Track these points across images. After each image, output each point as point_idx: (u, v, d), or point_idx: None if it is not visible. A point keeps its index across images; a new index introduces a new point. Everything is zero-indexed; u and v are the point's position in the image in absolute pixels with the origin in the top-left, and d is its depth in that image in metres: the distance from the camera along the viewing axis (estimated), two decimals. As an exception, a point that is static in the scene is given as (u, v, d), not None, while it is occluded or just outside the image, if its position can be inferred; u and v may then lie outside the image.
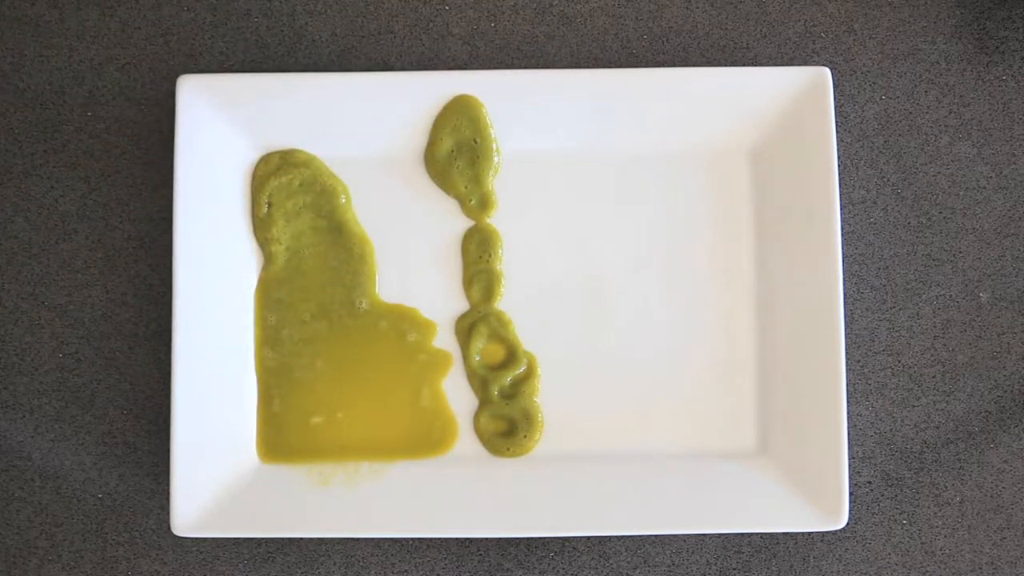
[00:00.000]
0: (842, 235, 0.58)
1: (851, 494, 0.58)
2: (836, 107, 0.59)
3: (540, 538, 0.58)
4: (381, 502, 0.55)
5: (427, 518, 0.55)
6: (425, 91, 0.57)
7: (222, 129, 0.56)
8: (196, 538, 0.58)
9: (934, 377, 0.58)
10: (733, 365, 0.57)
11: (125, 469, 0.58)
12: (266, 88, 0.56)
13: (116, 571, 0.58)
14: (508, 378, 0.57)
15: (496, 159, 0.57)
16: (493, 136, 0.57)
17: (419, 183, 0.58)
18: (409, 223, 0.58)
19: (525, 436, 0.57)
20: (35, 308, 0.58)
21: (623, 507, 0.55)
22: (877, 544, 0.58)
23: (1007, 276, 0.59)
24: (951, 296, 0.59)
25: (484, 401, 0.57)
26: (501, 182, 0.58)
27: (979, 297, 0.59)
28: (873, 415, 0.58)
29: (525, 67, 0.59)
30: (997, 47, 0.60)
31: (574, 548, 0.58)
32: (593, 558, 0.58)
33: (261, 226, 0.57)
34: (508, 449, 0.57)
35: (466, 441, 0.57)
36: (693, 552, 0.58)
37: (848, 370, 0.58)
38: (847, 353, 0.58)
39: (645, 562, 0.58)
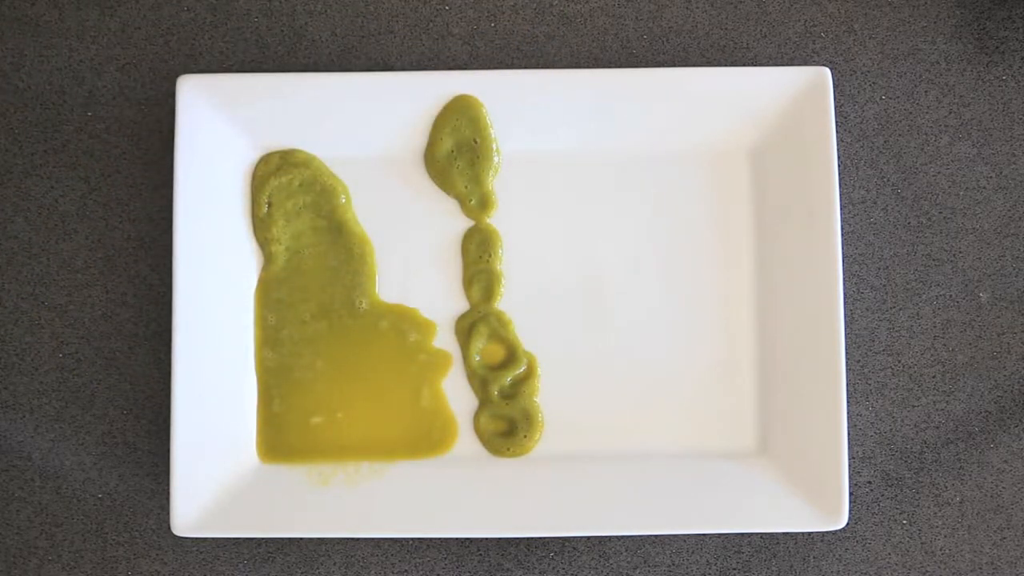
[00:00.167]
0: (842, 235, 0.58)
1: (851, 494, 0.58)
2: (836, 107, 0.59)
3: (540, 538, 0.58)
4: (381, 502, 0.55)
5: (427, 518, 0.55)
6: (425, 91, 0.57)
7: (222, 129, 0.56)
8: (196, 538, 0.58)
9: (934, 377, 0.58)
10: (733, 365, 0.57)
11: (125, 469, 0.58)
12: (266, 88, 0.56)
13: (116, 571, 0.58)
14: (508, 378, 0.57)
15: (496, 159, 0.57)
16: (493, 136, 0.57)
17: (419, 183, 0.58)
18: (409, 223, 0.58)
19: (525, 436, 0.57)
20: (35, 308, 0.58)
21: (623, 507, 0.55)
22: (877, 544, 0.58)
23: (1007, 276, 0.59)
24: (951, 296, 0.59)
25: (484, 401, 0.57)
26: (501, 182, 0.58)
27: (979, 297, 0.59)
28: (873, 415, 0.58)
29: (525, 67, 0.59)
30: (997, 47, 0.60)
31: (574, 548, 0.58)
32: (593, 558, 0.58)
33: (261, 226, 0.57)
34: (508, 449, 0.57)
35: (466, 441, 0.57)
36: (693, 552, 0.58)
37: (848, 370, 0.58)
38: (847, 353, 0.58)
39: (645, 562, 0.58)
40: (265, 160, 0.57)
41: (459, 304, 0.58)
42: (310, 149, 0.57)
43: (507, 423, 0.57)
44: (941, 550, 0.58)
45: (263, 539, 0.58)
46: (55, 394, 0.58)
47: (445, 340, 0.57)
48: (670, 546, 0.58)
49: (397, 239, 0.58)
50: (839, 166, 0.58)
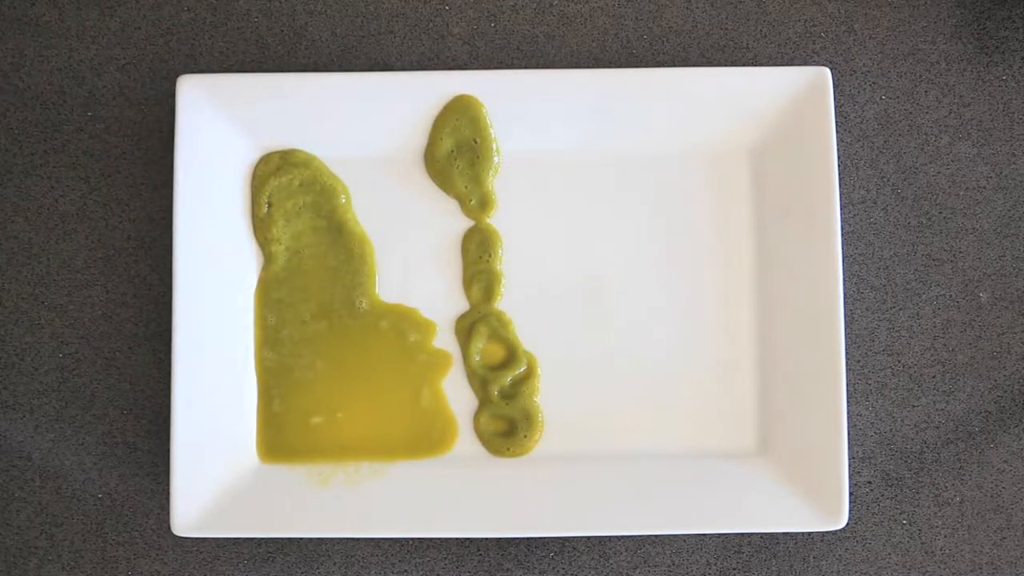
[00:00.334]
0: (842, 235, 0.58)
1: (851, 494, 0.58)
2: (836, 107, 0.59)
3: (540, 538, 0.58)
4: (381, 502, 0.55)
5: (427, 518, 0.55)
6: (425, 91, 0.57)
7: (222, 129, 0.56)
8: (196, 538, 0.58)
9: (934, 377, 0.58)
10: (733, 365, 0.57)
11: (125, 469, 0.58)
12: (266, 88, 0.56)
13: (116, 571, 0.58)
14: (508, 378, 0.57)
15: (496, 159, 0.57)
16: (493, 136, 0.57)
17: (419, 183, 0.58)
18: (409, 223, 0.58)
19: (525, 436, 0.57)
20: (35, 308, 0.58)
21: (623, 507, 0.55)
22: (877, 544, 0.58)
23: (1007, 276, 0.59)
24: (951, 296, 0.59)
25: (484, 401, 0.57)
26: (501, 182, 0.58)
27: (979, 297, 0.59)
28: (873, 415, 0.58)
29: (525, 67, 0.59)
30: (997, 47, 0.60)
31: (574, 548, 0.58)
32: (593, 558, 0.58)
33: (261, 226, 0.57)
34: (508, 449, 0.57)
35: (466, 441, 0.57)
36: (693, 552, 0.58)
37: (848, 370, 0.58)
38: (847, 353, 0.58)
39: (645, 562, 0.58)
40: (265, 160, 0.57)
41: (459, 304, 0.58)
42: (310, 149, 0.57)
43: (507, 423, 0.57)
44: (941, 550, 0.58)
45: (263, 539, 0.58)
46: (55, 394, 0.58)
47: (445, 340, 0.57)
48: (670, 546, 0.58)
49: (397, 239, 0.58)
50: (839, 166, 0.58)
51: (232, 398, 0.56)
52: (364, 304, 0.57)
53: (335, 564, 0.58)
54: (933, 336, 0.59)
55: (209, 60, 0.59)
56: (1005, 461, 0.58)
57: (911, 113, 0.59)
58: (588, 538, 0.58)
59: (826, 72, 0.56)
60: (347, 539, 0.58)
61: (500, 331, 0.57)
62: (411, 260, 0.58)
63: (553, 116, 0.57)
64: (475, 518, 0.55)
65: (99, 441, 0.58)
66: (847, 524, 0.57)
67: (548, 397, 0.57)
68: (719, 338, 0.57)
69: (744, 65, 0.59)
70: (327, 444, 0.56)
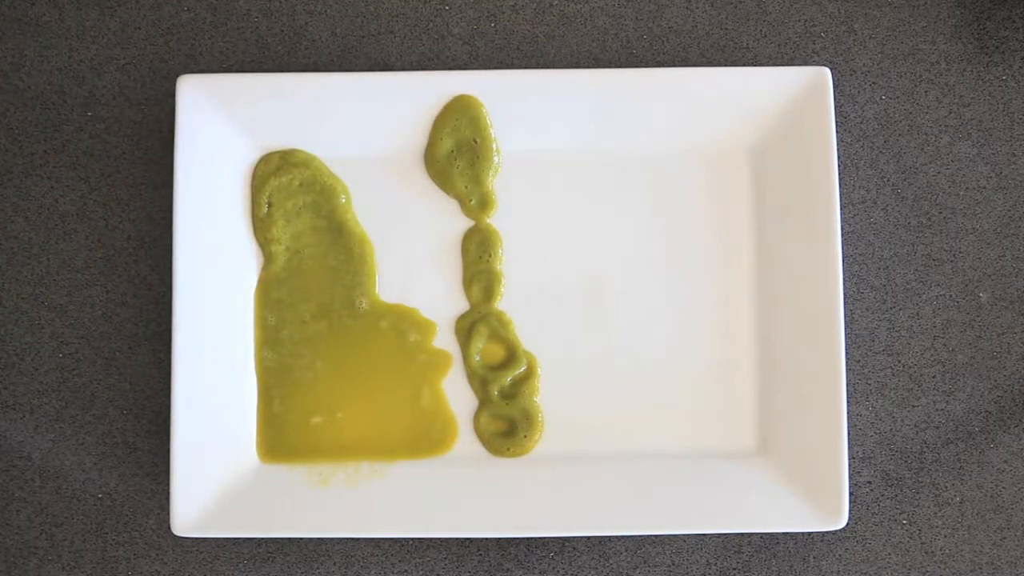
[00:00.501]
0: (842, 235, 0.58)
1: (851, 494, 0.58)
2: (836, 107, 0.59)
3: (540, 538, 0.58)
4: (381, 502, 0.55)
5: (427, 518, 0.55)
6: (425, 91, 0.57)
7: (222, 129, 0.56)
8: (196, 538, 0.58)
9: (934, 377, 0.58)
10: (733, 365, 0.57)
11: (125, 469, 0.58)
12: (266, 88, 0.56)
13: (116, 571, 0.58)
14: (508, 378, 0.57)
15: (496, 159, 0.57)
16: (493, 136, 0.57)
17: (419, 183, 0.58)
18: (409, 223, 0.58)
19: (525, 436, 0.57)
20: (35, 308, 0.58)
21: (623, 507, 0.55)
22: (877, 544, 0.58)
23: (1007, 276, 0.59)
24: (951, 296, 0.59)
25: (484, 401, 0.57)
26: (501, 182, 0.58)
27: (979, 297, 0.59)
28: (873, 415, 0.58)
29: (525, 67, 0.59)
30: (997, 47, 0.60)
31: (574, 548, 0.58)
32: (593, 558, 0.58)
33: (261, 226, 0.57)
34: (508, 449, 0.57)
35: (466, 441, 0.57)
36: (693, 552, 0.58)
37: (848, 370, 0.58)
38: (847, 353, 0.58)
39: (645, 562, 0.58)
40: (265, 160, 0.57)
41: (459, 304, 0.58)
42: (310, 149, 0.57)
43: (507, 423, 0.57)
44: (941, 550, 0.58)
45: (263, 539, 0.58)
46: (55, 394, 0.58)
47: (445, 340, 0.57)
48: (670, 546, 0.58)
49: (397, 239, 0.58)
50: (839, 166, 0.58)
51: (232, 398, 0.56)
52: (364, 304, 0.57)
53: (335, 564, 0.58)
54: (933, 336, 0.59)
55: (209, 60, 0.59)
56: (1005, 461, 0.58)
57: (911, 113, 0.59)
58: (588, 538, 0.58)
59: (826, 72, 0.56)
60: (347, 539, 0.58)
61: (500, 331, 0.57)
62: (411, 260, 0.58)
63: (553, 116, 0.57)
64: (475, 518, 0.55)
65: (99, 441, 0.58)
66: (847, 524, 0.57)
67: (548, 397, 0.57)
68: (719, 338, 0.57)
69: (744, 65, 0.59)
70: (327, 444, 0.56)
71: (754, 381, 0.57)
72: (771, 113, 0.57)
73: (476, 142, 0.57)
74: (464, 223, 0.58)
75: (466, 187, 0.57)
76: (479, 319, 0.57)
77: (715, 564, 0.58)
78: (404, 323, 0.57)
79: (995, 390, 0.58)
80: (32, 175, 0.59)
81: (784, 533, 0.58)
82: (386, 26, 0.59)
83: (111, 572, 0.58)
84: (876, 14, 0.59)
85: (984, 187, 0.59)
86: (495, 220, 0.58)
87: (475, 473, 0.56)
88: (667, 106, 0.57)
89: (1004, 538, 0.58)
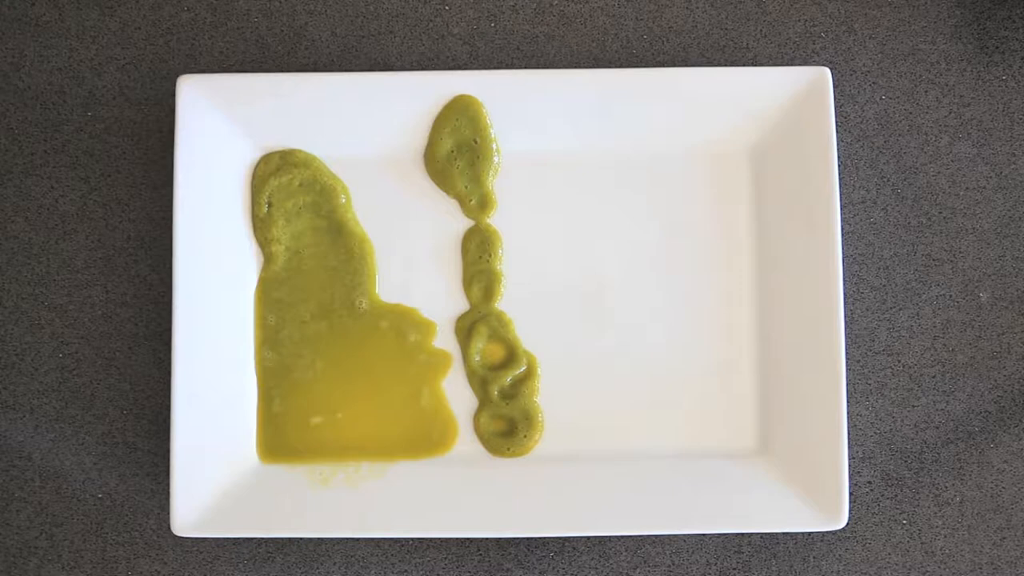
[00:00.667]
0: (842, 235, 0.58)
1: (851, 494, 0.58)
2: (836, 107, 0.59)
3: (540, 538, 0.58)
4: (381, 502, 0.55)
5: (427, 518, 0.55)
6: (425, 91, 0.57)
7: (222, 129, 0.56)
8: (196, 538, 0.58)
9: (934, 377, 0.58)
10: (733, 365, 0.57)
11: (125, 469, 0.58)
12: (266, 88, 0.56)
13: (116, 571, 0.58)
14: (508, 378, 0.57)
15: (496, 159, 0.57)
16: (493, 136, 0.57)
17: (419, 183, 0.58)
18: (409, 223, 0.58)
19: (525, 436, 0.57)
20: (35, 308, 0.58)
21: (623, 507, 0.55)
22: (877, 544, 0.58)
23: (1007, 276, 0.59)
24: (951, 296, 0.59)
25: (484, 401, 0.57)
26: (501, 182, 0.58)
27: (979, 297, 0.59)
28: (873, 415, 0.58)
29: (525, 67, 0.59)
30: (997, 47, 0.60)
31: (574, 548, 0.58)
32: (593, 558, 0.58)
33: (261, 226, 0.57)
34: (508, 449, 0.57)
35: (466, 441, 0.57)
36: (693, 552, 0.58)
37: (848, 370, 0.58)
38: (847, 353, 0.58)
39: (645, 562, 0.58)
40: (265, 160, 0.57)
41: (459, 304, 0.58)
42: (310, 149, 0.57)
43: (507, 423, 0.57)
44: (941, 550, 0.58)
45: (263, 539, 0.58)
46: (55, 394, 0.58)
47: (445, 340, 0.57)
48: (670, 546, 0.58)
49: (397, 239, 0.58)
50: (839, 166, 0.58)
51: (232, 398, 0.56)
52: (364, 304, 0.57)
53: (335, 564, 0.58)
54: (933, 336, 0.59)
55: (209, 60, 0.59)
56: (1005, 461, 0.58)
57: (911, 113, 0.59)
58: (588, 538, 0.58)
59: (826, 72, 0.56)
60: (347, 539, 0.58)
61: (500, 331, 0.57)
62: (411, 260, 0.58)
63: (553, 116, 0.57)
64: (475, 518, 0.55)
65: (99, 441, 0.58)
66: (847, 524, 0.57)
67: (548, 397, 0.57)
68: (719, 338, 0.57)
69: (744, 65, 0.59)
70: (327, 444, 0.56)
71: (754, 381, 0.57)
72: (771, 113, 0.57)
73: (476, 142, 0.57)
74: (464, 223, 0.58)
75: (466, 187, 0.57)
76: (479, 319, 0.57)
77: (715, 564, 0.58)
78: (404, 323, 0.57)
79: (995, 390, 0.58)
80: (32, 175, 0.59)
81: (784, 533, 0.58)
82: (386, 26, 0.59)
83: (111, 572, 0.58)
84: (876, 14, 0.60)
85: (984, 187, 0.59)
86: (495, 220, 0.58)
87: (475, 473, 0.56)
88: (667, 106, 0.57)
89: (1004, 538, 0.58)
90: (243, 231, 0.57)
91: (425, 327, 0.57)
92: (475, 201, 0.57)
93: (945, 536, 0.58)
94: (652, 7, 0.59)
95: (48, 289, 0.58)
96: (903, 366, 0.58)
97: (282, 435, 0.57)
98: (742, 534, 0.58)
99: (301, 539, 0.58)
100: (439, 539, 0.58)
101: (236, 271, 0.57)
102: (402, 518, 0.55)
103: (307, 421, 0.57)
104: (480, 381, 0.57)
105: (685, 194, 0.58)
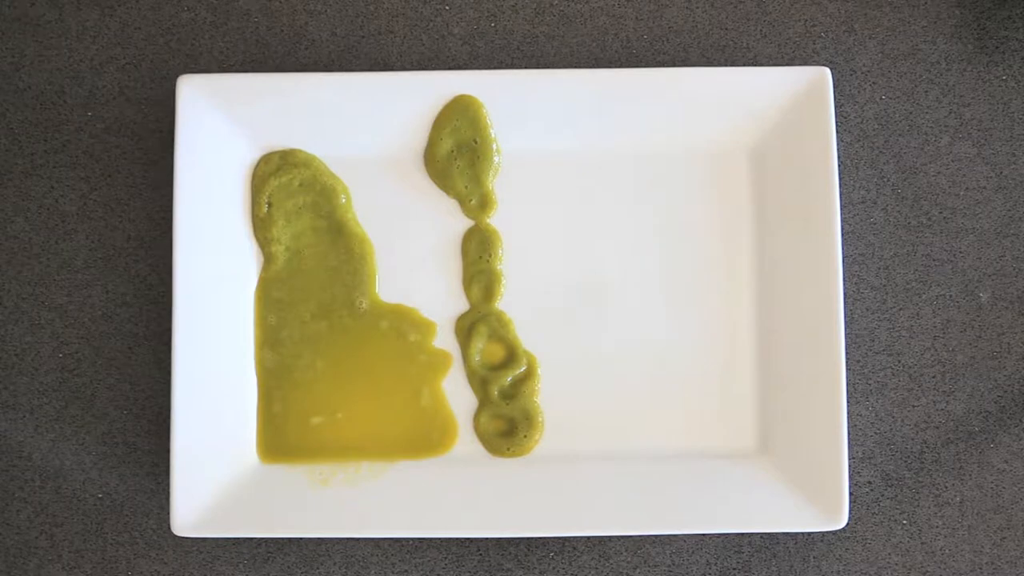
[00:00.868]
0: (842, 235, 0.58)
1: (851, 494, 0.58)
2: (836, 107, 0.59)
3: (540, 538, 0.58)
4: (381, 502, 0.55)
5: (427, 518, 0.55)
6: (425, 91, 0.57)
7: (222, 129, 0.56)
8: (196, 538, 0.58)
9: (934, 377, 0.58)
10: (733, 365, 0.57)
11: (125, 469, 0.58)
12: (266, 88, 0.56)
13: (116, 571, 0.58)
14: (508, 378, 0.57)
15: (496, 159, 0.57)
16: (493, 136, 0.57)
17: (419, 183, 0.58)
18: (409, 223, 0.58)
19: (525, 436, 0.57)
20: (35, 308, 0.58)
21: (623, 507, 0.55)
22: (877, 544, 0.58)
23: (1007, 276, 0.59)
24: (951, 296, 0.59)
25: (484, 401, 0.57)
26: (501, 182, 0.58)
27: (979, 297, 0.59)
28: (873, 415, 0.58)
29: (525, 67, 0.59)
30: (997, 47, 0.60)
31: (574, 548, 0.58)
32: (593, 558, 0.58)
33: (261, 226, 0.57)
34: (508, 449, 0.57)
35: (466, 441, 0.57)
36: (693, 552, 0.58)
37: (848, 370, 0.58)
38: (847, 353, 0.58)
39: (645, 562, 0.58)
40: (265, 160, 0.57)
41: (459, 304, 0.58)
42: (310, 149, 0.57)
43: (507, 423, 0.57)
44: (941, 550, 0.58)
45: (263, 539, 0.58)
46: (55, 394, 0.58)
47: (445, 340, 0.57)
48: (670, 546, 0.58)
49: (397, 239, 0.58)
50: (839, 166, 0.58)
51: (232, 398, 0.56)
52: (364, 304, 0.57)
53: (335, 564, 0.58)
54: (933, 336, 0.59)
55: (209, 60, 0.59)
56: (1005, 461, 0.58)
57: (911, 113, 0.59)
58: (588, 538, 0.58)
59: (826, 72, 0.56)
60: (347, 539, 0.58)
61: (500, 331, 0.57)
62: (411, 260, 0.58)
63: (553, 116, 0.57)
64: (475, 518, 0.55)
65: (99, 441, 0.58)
66: (847, 524, 0.57)
67: (548, 397, 0.57)
68: (719, 338, 0.57)
69: (744, 65, 0.59)
70: (327, 444, 0.56)
71: (754, 381, 0.57)
72: (771, 113, 0.57)
73: (476, 142, 0.57)
74: (464, 223, 0.58)
75: (466, 187, 0.57)
76: (479, 319, 0.57)
77: (715, 564, 0.58)
78: (404, 323, 0.57)
79: (995, 390, 0.58)
80: (32, 175, 0.59)
81: (784, 533, 0.58)
82: (386, 26, 0.59)
83: (111, 572, 0.58)
84: (876, 14, 0.60)
85: (984, 187, 0.59)
86: (495, 220, 0.58)
87: (475, 473, 0.56)
88: (667, 106, 0.57)
89: (1004, 538, 0.58)
90: (243, 231, 0.57)
91: (425, 327, 0.57)
92: (475, 201, 0.57)
93: (945, 536, 0.58)
94: (652, 7, 0.59)
95: (48, 289, 0.58)
96: (903, 366, 0.58)
97: (282, 435, 0.57)
98: (742, 534, 0.58)
99: (301, 539, 0.58)
100: (439, 539, 0.58)
101: (236, 271, 0.57)
102: (402, 518, 0.55)
103: (307, 421, 0.57)
104: (480, 381, 0.57)
105: (685, 194, 0.58)
